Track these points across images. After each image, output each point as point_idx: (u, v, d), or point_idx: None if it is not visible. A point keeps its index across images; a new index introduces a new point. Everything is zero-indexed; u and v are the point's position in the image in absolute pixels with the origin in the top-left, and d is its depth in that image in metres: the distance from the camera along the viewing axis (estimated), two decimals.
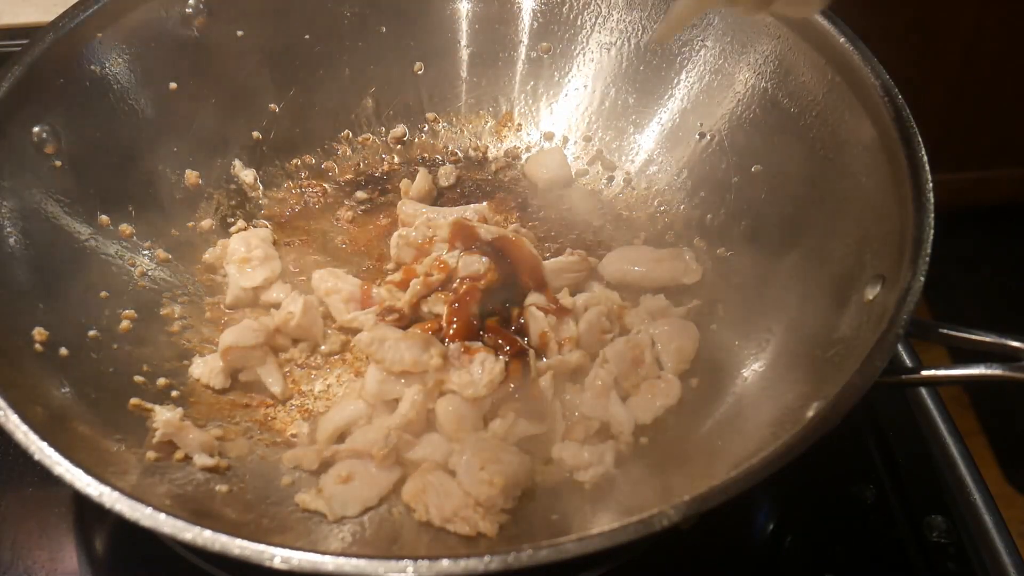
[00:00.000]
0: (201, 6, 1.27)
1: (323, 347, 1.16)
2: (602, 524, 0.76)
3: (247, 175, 1.31)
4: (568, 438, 1.05)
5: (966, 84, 2.46)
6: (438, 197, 1.31)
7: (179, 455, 1.00)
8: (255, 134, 1.33)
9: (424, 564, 0.73)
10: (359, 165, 1.38)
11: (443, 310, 1.12)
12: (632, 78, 1.34)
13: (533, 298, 1.14)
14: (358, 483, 0.99)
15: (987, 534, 1.04)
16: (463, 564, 0.73)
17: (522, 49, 1.39)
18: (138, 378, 1.08)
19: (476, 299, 1.13)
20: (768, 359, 1.08)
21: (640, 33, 1.33)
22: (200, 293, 1.21)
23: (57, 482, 0.80)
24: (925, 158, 0.99)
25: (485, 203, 1.26)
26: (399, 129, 1.40)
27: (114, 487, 0.79)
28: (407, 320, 1.14)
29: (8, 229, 1.05)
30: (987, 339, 0.93)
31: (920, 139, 1.01)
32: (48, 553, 1.03)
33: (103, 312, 1.10)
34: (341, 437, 1.06)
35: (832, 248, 1.07)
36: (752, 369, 1.08)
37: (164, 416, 1.00)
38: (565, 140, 1.39)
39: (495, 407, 1.06)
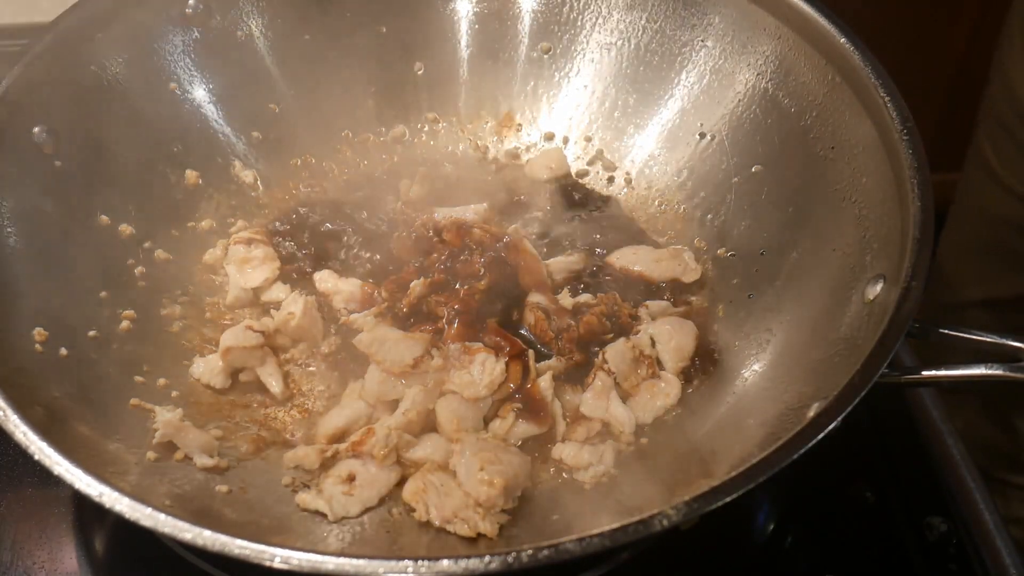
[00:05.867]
0: (201, 6, 1.27)
1: (323, 347, 1.16)
2: (602, 524, 0.76)
3: (247, 175, 1.31)
4: (568, 438, 1.05)
5: (966, 84, 2.45)
6: (438, 197, 1.31)
7: (179, 455, 1.00)
8: (255, 134, 1.33)
9: (424, 564, 0.73)
10: (359, 165, 1.38)
11: (443, 311, 1.12)
12: (632, 78, 1.34)
13: (533, 298, 1.14)
14: (358, 483, 0.99)
15: (987, 534, 1.04)
16: (463, 564, 0.73)
17: (522, 49, 1.39)
18: (138, 378, 1.08)
19: (476, 300, 1.13)
20: (768, 359, 1.08)
21: (640, 34, 1.33)
22: (200, 293, 1.21)
23: (57, 482, 0.81)
24: (925, 158, 0.99)
25: (485, 203, 1.26)
26: (399, 129, 1.40)
27: (114, 487, 0.79)
28: (407, 320, 1.14)
29: (8, 229, 1.05)
30: (987, 339, 0.93)
31: (920, 139, 1.01)
32: (48, 553, 1.03)
33: (103, 312, 1.10)
34: (341, 437, 1.06)
35: (832, 248, 1.07)
36: (752, 369, 1.08)
37: (164, 416, 1.00)
38: (565, 140, 1.39)
39: (495, 407, 1.07)
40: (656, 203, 1.31)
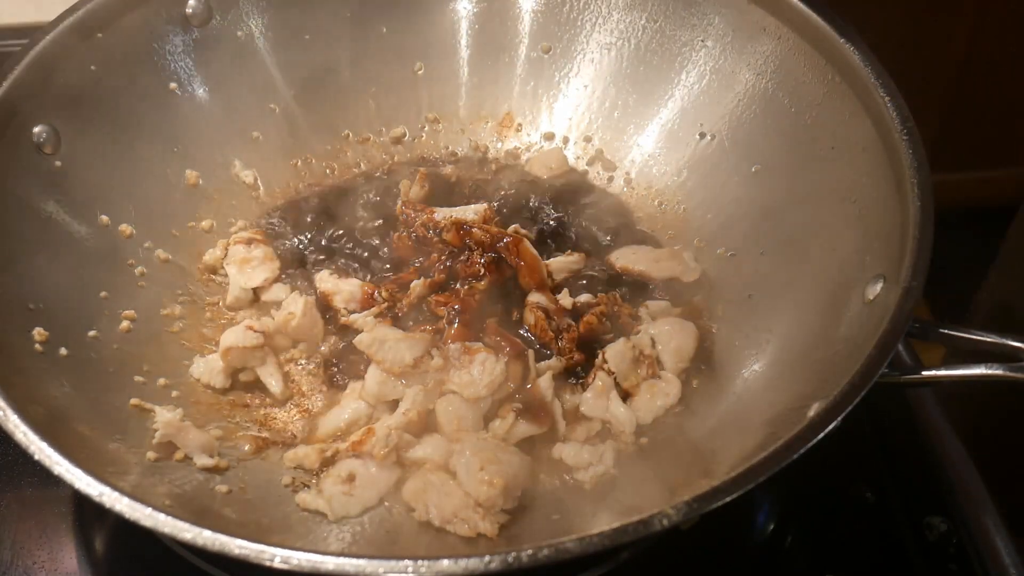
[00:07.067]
0: (201, 6, 1.27)
1: (323, 347, 1.16)
2: (602, 524, 0.76)
3: (247, 175, 1.31)
4: (568, 438, 1.05)
5: (966, 84, 2.45)
6: (438, 197, 1.31)
7: (179, 455, 1.00)
8: (255, 134, 1.33)
9: (424, 564, 0.73)
10: (359, 165, 1.38)
11: (443, 311, 1.12)
12: (632, 78, 1.34)
13: (533, 298, 1.14)
14: (358, 483, 0.99)
15: (987, 534, 1.04)
16: (463, 564, 0.73)
17: (522, 49, 1.39)
18: (138, 378, 1.08)
19: (476, 300, 1.13)
20: (768, 359, 1.08)
21: (640, 33, 1.33)
22: (200, 293, 1.21)
23: (57, 482, 0.80)
24: (925, 158, 0.99)
25: (485, 203, 1.26)
26: (399, 129, 1.40)
27: (114, 487, 0.79)
28: (407, 320, 1.14)
29: (8, 229, 1.05)
30: (987, 339, 0.93)
31: (920, 139, 1.01)
32: (48, 553, 1.03)
33: (103, 312, 1.10)
34: (341, 437, 1.06)
35: (832, 248, 1.07)
36: (752, 369, 1.08)
37: (164, 416, 1.00)
38: (565, 140, 1.39)
39: (495, 407, 1.07)
40: (656, 203, 1.31)
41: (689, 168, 1.30)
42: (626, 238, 1.27)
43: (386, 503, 1.00)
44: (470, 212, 1.23)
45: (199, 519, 0.77)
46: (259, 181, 1.32)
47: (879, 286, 0.96)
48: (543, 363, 1.10)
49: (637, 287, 1.20)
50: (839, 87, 1.12)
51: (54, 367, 1.00)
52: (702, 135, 1.28)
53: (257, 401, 1.11)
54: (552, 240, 1.26)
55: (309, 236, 1.26)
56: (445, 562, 0.73)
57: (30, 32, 1.14)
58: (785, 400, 0.97)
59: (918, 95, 1.10)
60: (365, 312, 1.15)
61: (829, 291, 1.04)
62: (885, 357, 0.85)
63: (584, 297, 1.17)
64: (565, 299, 1.15)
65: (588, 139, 1.38)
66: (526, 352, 1.09)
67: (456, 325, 1.10)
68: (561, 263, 1.20)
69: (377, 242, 1.25)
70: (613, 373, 1.09)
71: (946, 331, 0.95)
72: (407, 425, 1.04)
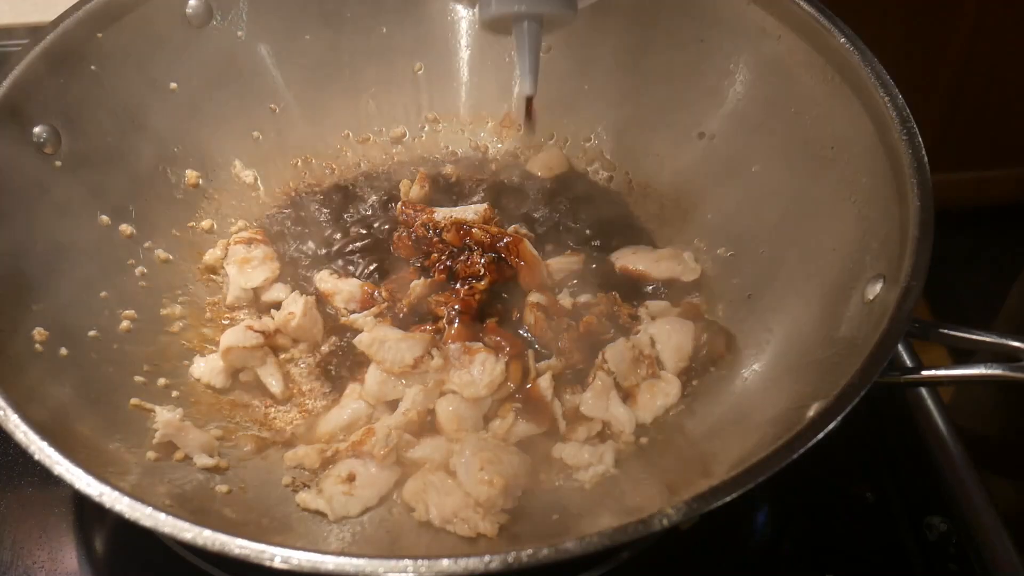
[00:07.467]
0: (201, 6, 1.27)
1: (323, 347, 1.16)
2: (602, 524, 0.76)
3: (247, 175, 1.31)
4: (568, 438, 1.05)
5: (966, 84, 2.46)
6: (438, 197, 1.31)
7: (179, 455, 1.00)
8: (255, 134, 1.33)
9: (424, 564, 0.73)
10: (359, 165, 1.38)
11: (443, 311, 1.12)
12: (632, 78, 1.34)
13: (533, 298, 1.14)
14: (358, 483, 0.99)
15: (987, 534, 1.04)
16: (463, 564, 0.73)
17: None
18: (138, 378, 1.08)
19: (476, 300, 1.13)
20: (768, 359, 1.08)
21: (640, 33, 1.33)
22: (200, 293, 1.21)
23: (57, 482, 0.80)
24: (925, 158, 0.99)
25: (485, 203, 1.26)
26: (399, 129, 1.40)
27: (114, 487, 0.79)
28: (407, 320, 1.14)
29: (8, 229, 1.05)
30: (987, 339, 0.93)
31: (920, 139, 1.01)
32: (48, 553, 1.03)
33: (103, 312, 1.10)
34: (341, 437, 1.06)
35: (832, 248, 1.07)
36: (752, 369, 1.08)
37: (164, 416, 1.00)
38: (565, 140, 1.39)
39: (495, 407, 1.07)
40: (656, 203, 1.31)
41: (689, 168, 1.29)
42: (626, 238, 1.27)
43: (386, 503, 1.00)
44: (470, 212, 1.23)
45: (199, 519, 0.77)
46: (259, 181, 1.32)
47: (879, 286, 0.96)
48: (543, 363, 1.10)
49: (637, 287, 1.20)
50: (839, 87, 1.12)
51: (54, 367, 1.00)
52: (702, 135, 1.28)
53: (257, 401, 1.11)
54: (552, 240, 1.26)
55: (309, 236, 1.26)
56: (445, 562, 0.73)
57: (30, 32, 1.14)
58: (785, 400, 0.97)
59: (918, 95, 1.10)
60: (365, 312, 1.15)
61: (829, 291, 1.04)
62: (885, 357, 0.85)
63: (584, 297, 1.17)
64: (565, 299, 1.16)
65: (588, 139, 1.38)
66: (526, 352, 1.10)
67: (456, 325, 1.10)
68: (561, 263, 1.20)
69: (377, 242, 1.25)
70: (613, 373, 1.09)
71: (946, 331, 0.95)
72: (407, 425, 1.04)
